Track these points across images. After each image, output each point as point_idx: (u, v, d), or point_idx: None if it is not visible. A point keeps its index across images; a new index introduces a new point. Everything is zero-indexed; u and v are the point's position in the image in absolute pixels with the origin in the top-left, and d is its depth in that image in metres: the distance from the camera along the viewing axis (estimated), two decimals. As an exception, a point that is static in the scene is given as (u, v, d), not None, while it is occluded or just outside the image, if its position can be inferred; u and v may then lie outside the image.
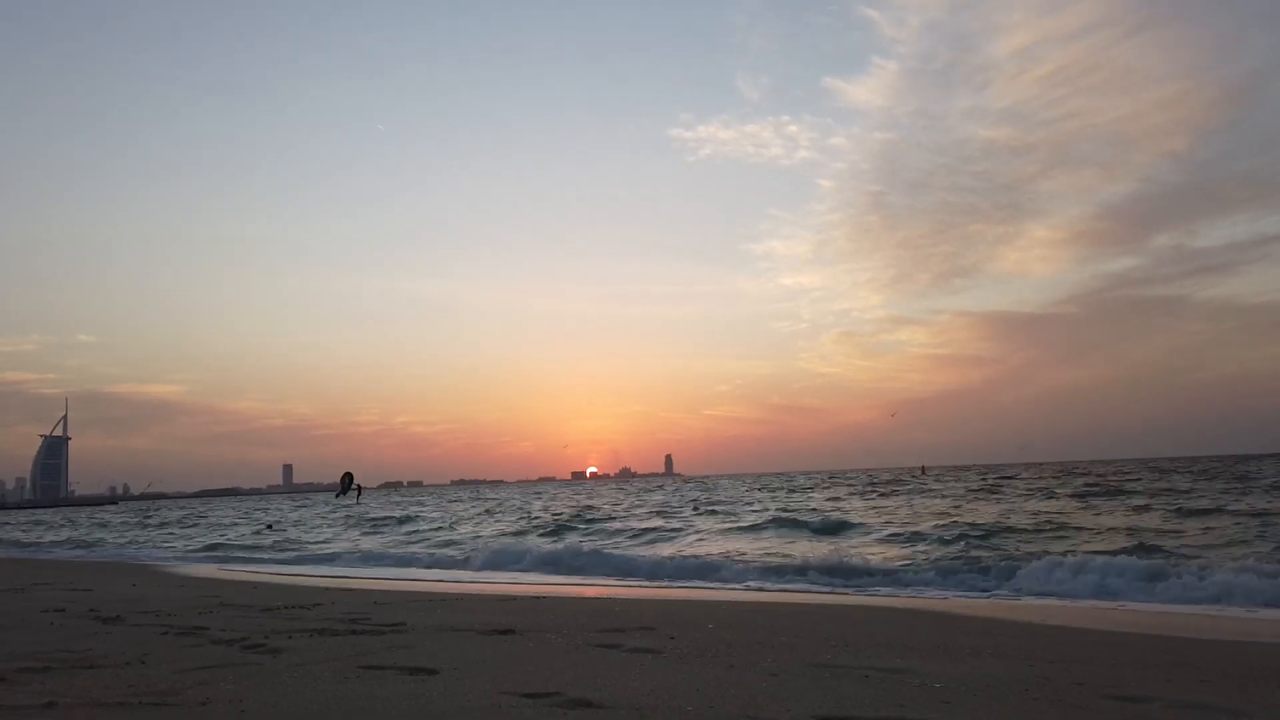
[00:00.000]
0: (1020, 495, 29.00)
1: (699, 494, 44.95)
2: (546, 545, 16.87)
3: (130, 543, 24.98)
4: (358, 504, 31.16)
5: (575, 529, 21.82)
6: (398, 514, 32.26)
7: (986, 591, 9.67)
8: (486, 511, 34.38)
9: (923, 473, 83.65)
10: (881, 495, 33.39)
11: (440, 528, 24.39)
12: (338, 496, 25.59)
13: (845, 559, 12.26)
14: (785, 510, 24.32)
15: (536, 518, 27.72)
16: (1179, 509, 19.44)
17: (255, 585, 10.88)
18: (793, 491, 41.71)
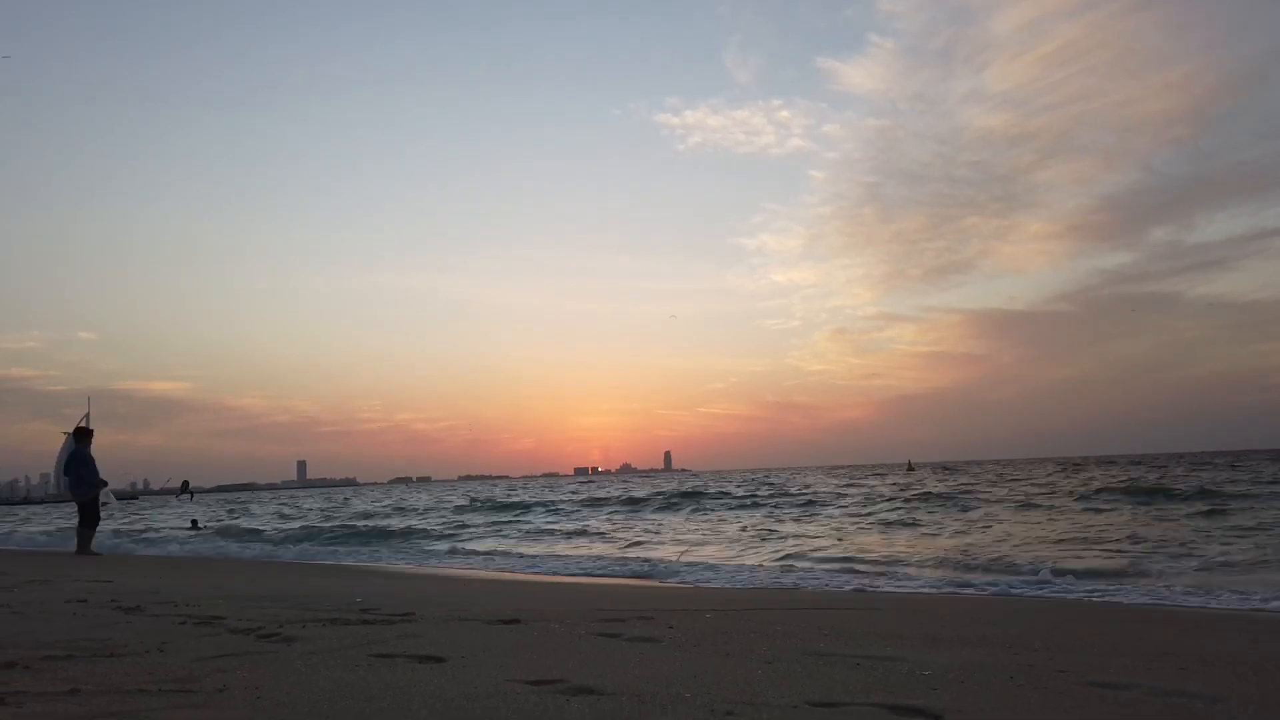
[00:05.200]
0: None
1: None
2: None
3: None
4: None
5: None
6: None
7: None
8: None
9: (910, 469, 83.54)
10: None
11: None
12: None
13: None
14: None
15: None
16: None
17: (268, 575, 10.87)
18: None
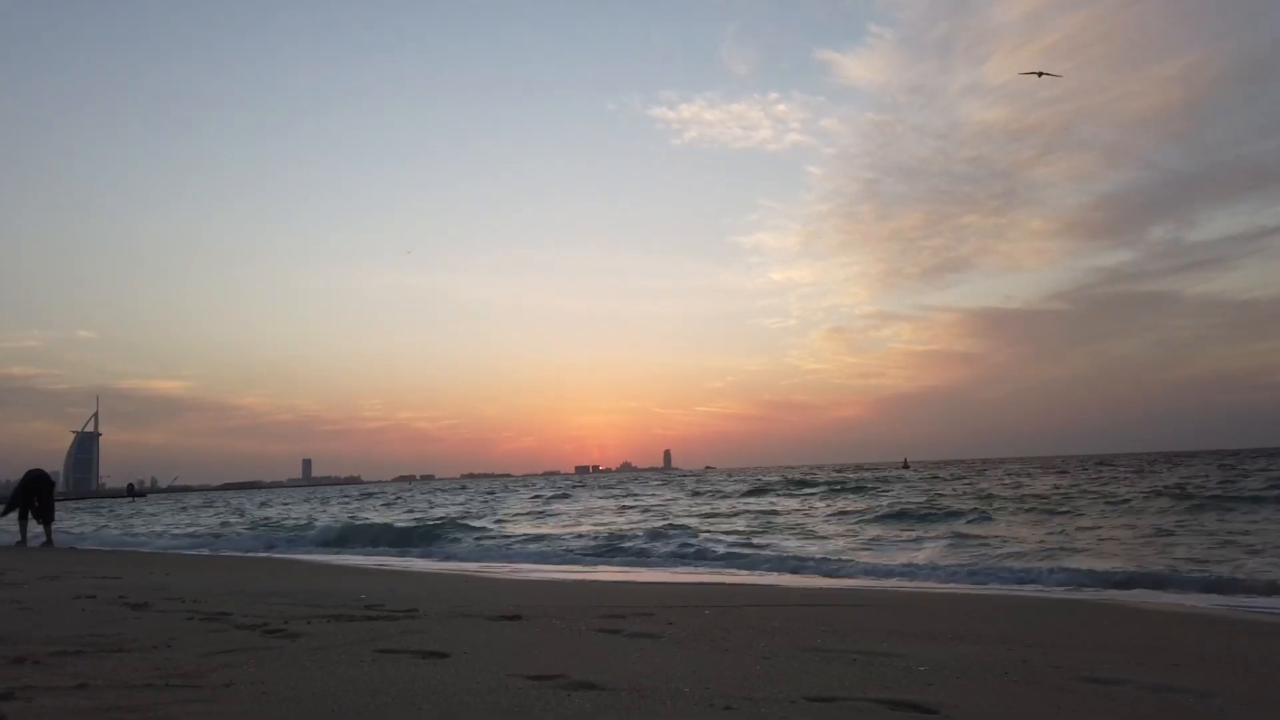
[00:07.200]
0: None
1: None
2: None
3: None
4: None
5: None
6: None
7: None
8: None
9: (905, 467, 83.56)
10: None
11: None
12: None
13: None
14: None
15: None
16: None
17: (274, 572, 10.87)
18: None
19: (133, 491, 27.85)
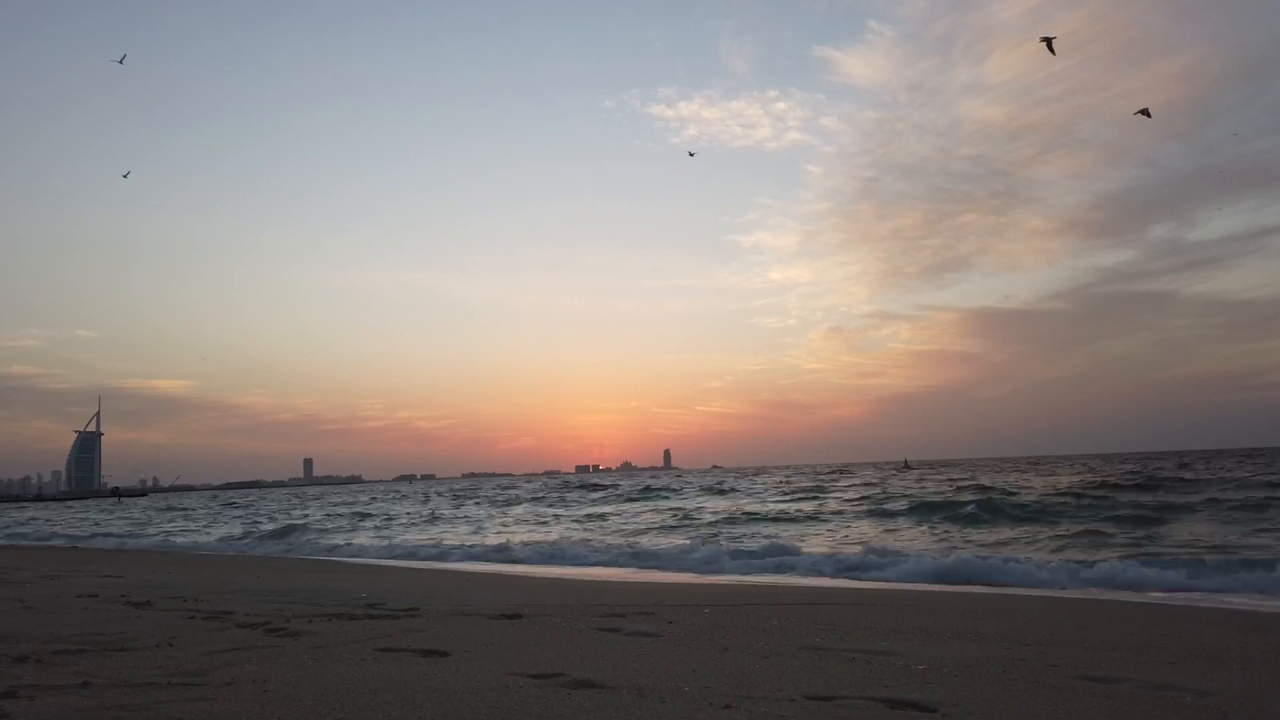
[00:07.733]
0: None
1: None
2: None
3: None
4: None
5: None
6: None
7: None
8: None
9: (905, 467, 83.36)
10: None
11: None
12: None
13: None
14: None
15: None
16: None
17: (275, 571, 10.88)
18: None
19: (118, 493, 28.42)
